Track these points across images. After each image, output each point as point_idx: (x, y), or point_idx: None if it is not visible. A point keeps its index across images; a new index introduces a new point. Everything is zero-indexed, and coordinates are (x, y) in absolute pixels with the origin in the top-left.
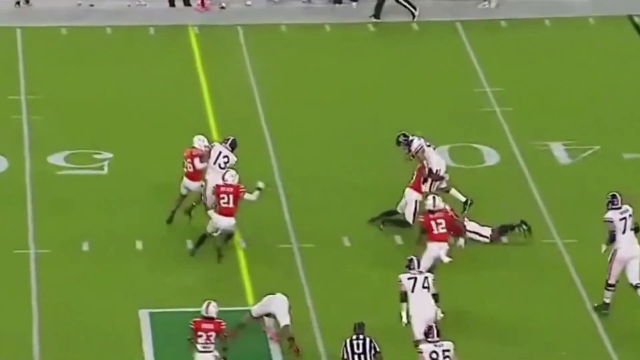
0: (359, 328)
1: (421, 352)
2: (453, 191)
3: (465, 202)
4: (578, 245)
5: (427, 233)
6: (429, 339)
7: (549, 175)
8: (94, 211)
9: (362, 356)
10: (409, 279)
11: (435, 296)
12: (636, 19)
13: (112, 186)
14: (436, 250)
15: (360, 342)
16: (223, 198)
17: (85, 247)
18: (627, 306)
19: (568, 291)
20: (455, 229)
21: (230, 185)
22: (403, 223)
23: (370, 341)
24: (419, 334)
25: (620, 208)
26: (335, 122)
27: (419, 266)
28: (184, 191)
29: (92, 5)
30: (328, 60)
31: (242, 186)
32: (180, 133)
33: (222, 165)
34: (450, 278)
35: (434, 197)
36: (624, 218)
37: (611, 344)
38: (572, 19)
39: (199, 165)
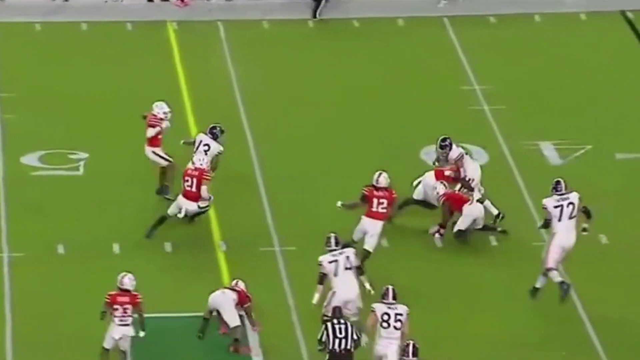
0: (339, 312)
1: (373, 311)
2: (487, 203)
3: (497, 216)
4: None
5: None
6: (384, 300)
7: (539, 176)
8: (69, 213)
9: (344, 340)
10: (330, 262)
11: (359, 269)
12: (629, 15)
13: (88, 187)
14: (366, 226)
15: (343, 326)
16: (187, 181)
17: (60, 250)
18: (625, 307)
19: None
20: (458, 203)
21: (197, 169)
22: (428, 205)
23: (352, 326)
24: (331, 312)
25: (562, 195)
26: (318, 120)
27: (336, 244)
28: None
29: (66, 0)
30: (311, 56)
31: (207, 171)
32: None
33: None
34: (449, 277)
35: (380, 174)
36: (560, 206)
37: (602, 348)
38: (563, 14)
39: (149, 132)
